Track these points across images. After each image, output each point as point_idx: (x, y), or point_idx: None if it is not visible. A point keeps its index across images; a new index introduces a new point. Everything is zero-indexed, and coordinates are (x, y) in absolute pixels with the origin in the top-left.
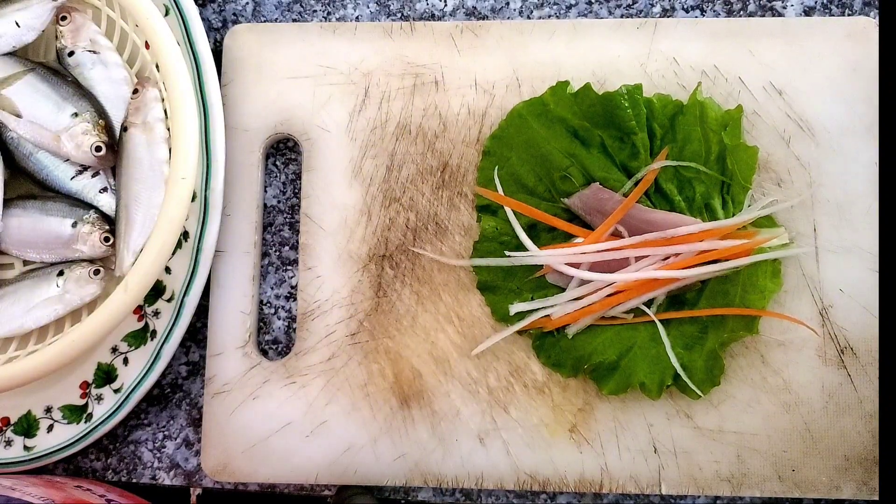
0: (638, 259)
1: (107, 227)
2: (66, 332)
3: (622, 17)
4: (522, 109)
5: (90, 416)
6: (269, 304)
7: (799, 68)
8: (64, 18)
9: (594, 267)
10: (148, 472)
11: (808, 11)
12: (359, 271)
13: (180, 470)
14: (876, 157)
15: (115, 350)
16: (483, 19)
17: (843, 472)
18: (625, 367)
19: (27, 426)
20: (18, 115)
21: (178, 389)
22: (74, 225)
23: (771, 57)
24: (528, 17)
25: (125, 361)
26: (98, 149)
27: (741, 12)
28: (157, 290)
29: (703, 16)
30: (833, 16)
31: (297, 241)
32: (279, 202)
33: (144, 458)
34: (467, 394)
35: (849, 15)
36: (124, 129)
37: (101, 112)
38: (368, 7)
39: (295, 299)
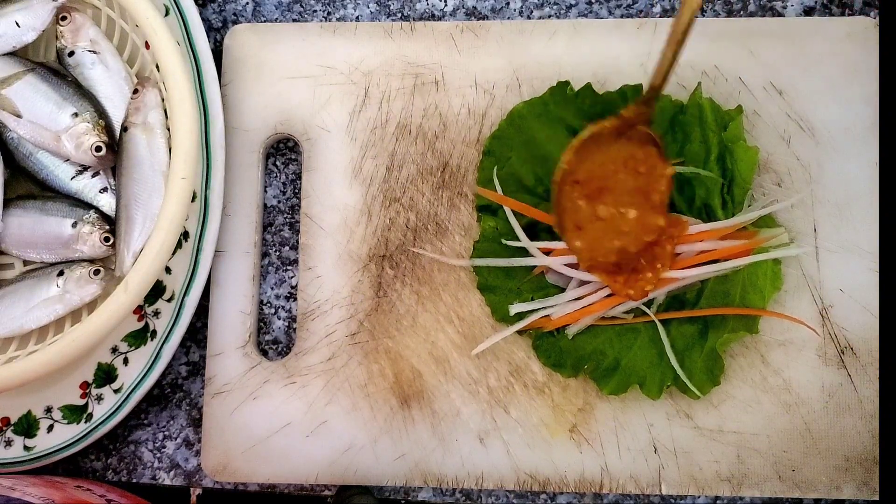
0: None
1: (107, 227)
2: (67, 332)
3: (622, 17)
4: (522, 109)
5: (90, 416)
6: (269, 304)
7: (799, 68)
8: (64, 18)
9: None
10: (148, 472)
11: (808, 11)
12: (359, 271)
13: (180, 470)
14: (876, 157)
15: (115, 350)
16: (483, 19)
17: (843, 472)
18: (625, 367)
19: (27, 426)
20: (18, 115)
21: (178, 389)
22: (74, 225)
23: (771, 57)
24: (529, 17)
25: (125, 361)
26: (98, 149)
27: (741, 12)
28: (157, 290)
29: (703, 16)
30: (833, 16)
31: (297, 241)
32: (279, 202)
33: (144, 458)
34: (467, 394)
35: (849, 15)
36: (124, 129)
37: (101, 112)
38: (368, 7)
39: (295, 299)
